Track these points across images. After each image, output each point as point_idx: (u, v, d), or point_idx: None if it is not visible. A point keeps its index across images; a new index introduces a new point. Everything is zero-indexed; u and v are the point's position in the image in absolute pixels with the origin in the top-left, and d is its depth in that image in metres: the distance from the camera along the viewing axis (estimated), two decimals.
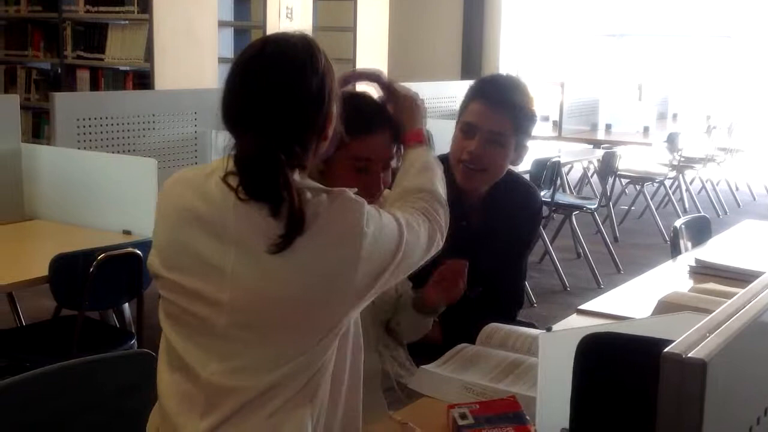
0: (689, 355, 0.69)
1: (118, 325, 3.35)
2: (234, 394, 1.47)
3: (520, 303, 2.50)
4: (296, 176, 1.47)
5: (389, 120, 1.85)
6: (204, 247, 1.48)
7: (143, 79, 6.18)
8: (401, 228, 1.55)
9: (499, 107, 2.26)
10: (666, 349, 0.71)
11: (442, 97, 6.53)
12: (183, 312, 1.51)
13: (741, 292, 0.88)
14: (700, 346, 0.70)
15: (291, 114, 1.47)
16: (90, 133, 3.93)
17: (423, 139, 1.82)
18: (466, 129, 2.29)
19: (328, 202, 1.47)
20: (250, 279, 1.45)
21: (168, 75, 6.04)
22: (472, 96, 2.32)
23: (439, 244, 1.66)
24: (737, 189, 8.94)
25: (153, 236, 1.60)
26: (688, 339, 0.72)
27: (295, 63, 1.49)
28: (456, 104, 6.45)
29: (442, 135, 2.86)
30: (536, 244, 2.49)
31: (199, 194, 1.51)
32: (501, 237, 2.38)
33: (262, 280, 1.45)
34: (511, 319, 2.35)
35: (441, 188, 1.75)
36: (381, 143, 1.85)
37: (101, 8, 6.33)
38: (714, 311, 0.87)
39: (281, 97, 1.47)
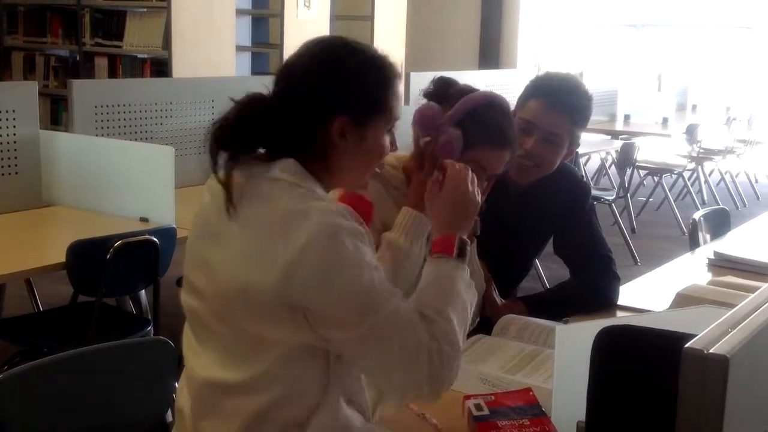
0: (711, 350, 0.68)
1: (134, 312, 3.37)
2: (208, 388, 1.47)
3: (608, 257, 2.46)
4: (284, 163, 1.44)
5: (514, 144, 2.01)
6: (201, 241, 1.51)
7: (161, 67, 6.19)
8: (381, 295, 1.38)
9: (557, 108, 2.30)
10: (687, 345, 0.70)
11: (508, 104, 6.48)
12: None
13: (764, 286, 0.87)
14: (722, 341, 0.69)
15: (295, 82, 1.48)
16: (108, 120, 3.93)
17: (452, 250, 1.59)
18: (523, 126, 2.31)
19: (298, 199, 1.40)
20: (219, 267, 1.44)
21: (186, 63, 6.04)
22: (531, 93, 2.35)
23: (422, 386, 1.41)
24: (756, 181, 8.87)
25: None
26: (710, 334, 0.71)
27: (334, 49, 1.50)
28: None
29: None
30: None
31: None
32: (540, 222, 2.42)
33: (219, 267, 1.44)
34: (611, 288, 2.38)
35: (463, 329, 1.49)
36: (502, 160, 1.98)
37: None
38: (733, 304, 0.86)
39: (298, 66, 1.49)
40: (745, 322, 0.75)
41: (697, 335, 0.78)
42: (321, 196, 1.45)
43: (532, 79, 2.41)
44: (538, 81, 2.39)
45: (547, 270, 4.46)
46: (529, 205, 2.39)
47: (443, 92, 1.97)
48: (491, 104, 1.99)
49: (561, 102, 2.30)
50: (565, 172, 2.45)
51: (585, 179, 2.60)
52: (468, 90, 2.01)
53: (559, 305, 2.26)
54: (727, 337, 0.71)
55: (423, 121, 1.88)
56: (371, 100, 1.50)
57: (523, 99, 2.36)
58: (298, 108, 1.47)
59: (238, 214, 1.42)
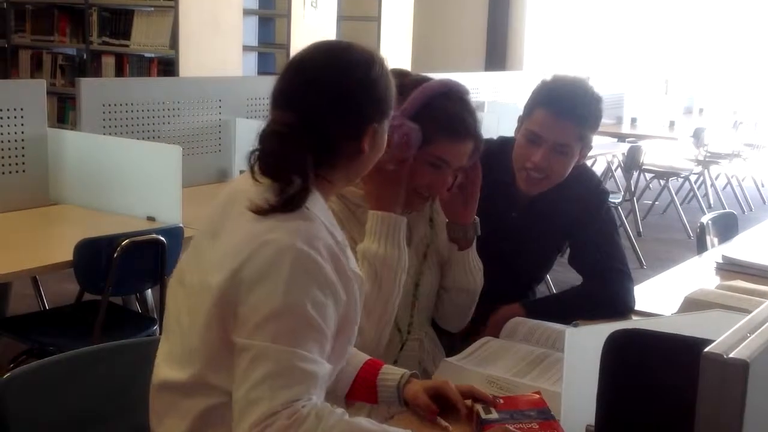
0: (731, 355, 0.67)
1: (140, 311, 3.37)
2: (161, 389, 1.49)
3: (618, 269, 2.34)
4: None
5: (477, 133, 1.91)
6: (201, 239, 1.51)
7: (168, 66, 6.20)
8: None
9: (565, 118, 2.20)
10: (707, 349, 0.69)
11: (468, 92, 6.48)
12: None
13: None
14: (741, 346, 0.68)
15: (322, 101, 1.45)
16: (115, 119, 3.94)
17: None
18: (531, 137, 2.24)
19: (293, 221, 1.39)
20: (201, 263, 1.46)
21: (192, 62, 6.05)
22: (538, 102, 2.24)
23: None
24: (763, 185, 8.86)
25: None
26: (729, 339, 0.70)
27: (347, 57, 1.48)
28: (480, 96, 6.43)
29: None
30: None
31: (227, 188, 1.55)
32: (553, 229, 2.36)
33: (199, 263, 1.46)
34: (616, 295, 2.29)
35: None
36: (465, 152, 1.90)
37: None
38: (743, 309, 0.85)
39: (318, 81, 1.46)
40: (765, 326, 0.75)
41: (711, 339, 0.78)
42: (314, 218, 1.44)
43: (538, 85, 2.30)
44: (544, 88, 2.27)
45: (552, 272, 4.43)
46: (540, 210, 2.33)
47: (398, 84, 1.71)
48: (448, 94, 1.90)
49: (569, 111, 2.20)
50: (580, 177, 2.35)
51: (601, 187, 2.49)
52: (423, 80, 1.92)
53: (562, 312, 2.19)
54: (747, 341, 0.70)
55: None
56: (388, 105, 1.53)
57: (530, 107, 2.26)
58: (334, 128, 1.46)
59: (237, 220, 1.44)
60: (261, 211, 1.39)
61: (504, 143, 2.34)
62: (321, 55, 1.50)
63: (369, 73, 1.48)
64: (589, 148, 2.33)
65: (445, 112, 1.87)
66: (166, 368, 1.49)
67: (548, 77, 2.33)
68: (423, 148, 1.84)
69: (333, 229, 1.48)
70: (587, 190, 2.38)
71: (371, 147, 1.51)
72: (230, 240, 1.41)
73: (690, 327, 1.23)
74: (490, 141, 2.36)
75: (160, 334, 1.56)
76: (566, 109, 2.20)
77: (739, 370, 0.65)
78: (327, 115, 1.45)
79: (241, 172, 1.59)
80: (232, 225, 1.43)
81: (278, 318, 1.34)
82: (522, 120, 2.29)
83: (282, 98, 1.48)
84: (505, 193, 2.30)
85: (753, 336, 0.71)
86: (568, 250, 2.46)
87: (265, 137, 1.45)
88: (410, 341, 2.04)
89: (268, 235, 1.37)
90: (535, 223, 2.34)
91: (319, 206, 1.47)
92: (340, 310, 1.43)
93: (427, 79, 1.94)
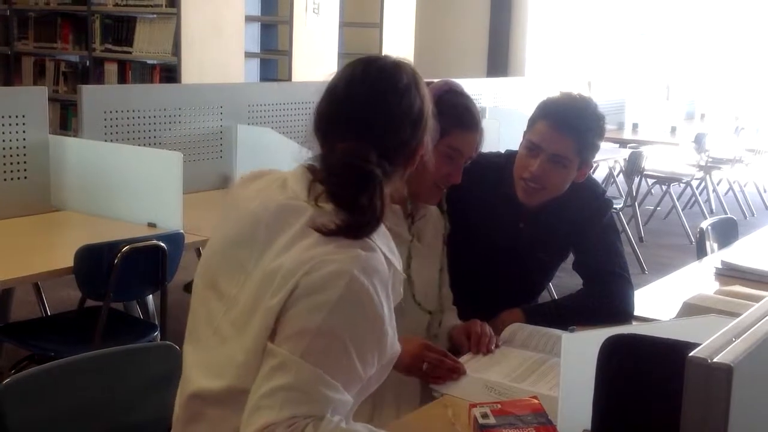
0: (715, 359, 0.68)
1: (141, 317, 3.38)
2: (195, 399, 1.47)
3: (618, 274, 2.37)
4: None
5: (481, 123, 2.07)
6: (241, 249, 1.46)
7: (170, 73, 6.22)
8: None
9: (563, 130, 2.25)
10: (691, 354, 0.70)
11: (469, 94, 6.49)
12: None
13: None
14: (726, 350, 0.69)
15: (389, 127, 1.45)
16: (117, 126, 3.95)
17: None
18: (530, 147, 2.30)
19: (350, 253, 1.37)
20: (248, 277, 1.43)
21: (195, 69, 6.07)
22: (539, 115, 2.31)
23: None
24: (765, 191, 8.84)
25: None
26: (714, 343, 0.71)
27: (400, 81, 1.48)
28: (482, 102, 6.43)
29: None
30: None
31: (265, 199, 1.49)
32: (558, 237, 2.39)
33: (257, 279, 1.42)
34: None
35: None
36: (475, 140, 2.05)
37: (130, 2, 6.38)
38: (740, 314, 0.86)
39: (383, 109, 1.45)
40: (750, 331, 0.75)
41: (700, 344, 0.79)
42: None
43: (543, 100, 2.37)
44: (548, 102, 2.34)
45: (554, 278, 4.43)
46: (542, 221, 2.37)
47: None
48: (451, 90, 2.06)
49: (568, 124, 2.25)
50: (582, 187, 2.38)
51: (605, 196, 2.51)
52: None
53: (562, 317, 2.22)
54: (731, 346, 0.71)
55: None
56: (432, 117, 1.55)
57: (532, 120, 2.33)
58: (397, 154, 1.47)
59: (294, 240, 1.40)
60: (325, 231, 1.37)
61: (510, 156, 2.39)
62: (376, 77, 1.48)
63: (420, 92, 1.50)
64: (589, 167, 2.38)
65: (454, 105, 2.02)
66: (200, 377, 1.46)
67: (555, 93, 2.42)
68: (439, 140, 1.88)
69: (391, 256, 1.46)
70: (591, 199, 2.42)
71: (424, 161, 1.54)
72: (288, 259, 1.38)
73: (685, 332, 1.24)
74: (496, 154, 2.41)
75: (161, 339, 1.57)
76: (566, 121, 2.26)
77: (723, 374, 0.66)
78: (393, 141, 1.45)
79: (287, 177, 1.54)
80: (290, 243, 1.39)
81: (314, 336, 1.32)
82: (525, 133, 2.35)
83: (342, 125, 1.45)
84: (512, 204, 2.34)
85: (738, 341, 0.72)
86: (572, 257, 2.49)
87: (338, 167, 1.42)
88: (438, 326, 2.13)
89: (328, 256, 1.35)
90: (541, 232, 2.38)
91: (381, 233, 1.45)
92: (384, 349, 1.41)
93: (427, 83, 1.99)
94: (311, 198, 1.42)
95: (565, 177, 2.31)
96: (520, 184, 2.31)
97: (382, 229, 1.45)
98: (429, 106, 1.52)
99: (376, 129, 1.43)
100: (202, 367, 1.46)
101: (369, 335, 1.37)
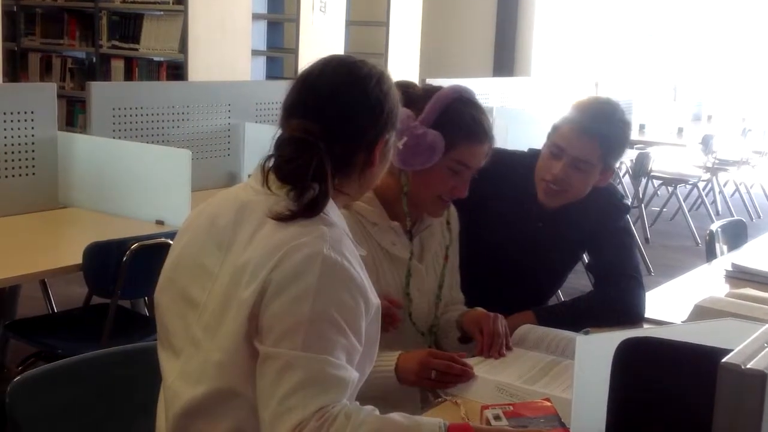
0: (748, 365, 0.67)
1: (149, 315, 3.37)
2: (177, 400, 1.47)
3: (629, 276, 2.37)
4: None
5: (492, 133, 1.97)
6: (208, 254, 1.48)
7: (177, 70, 6.21)
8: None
9: (587, 135, 2.25)
10: (724, 359, 0.69)
11: (475, 94, 6.48)
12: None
13: None
14: (759, 356, 0.68)
15: (342, 112, 1.47)
16: (125, 123, 3.94)
17: None
18: (554, 150, 2.29)
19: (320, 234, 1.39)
20: (216, 278, 1.44)
21: (202, 66, 6.06)
22: (566, 119, 2.31)
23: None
24: None
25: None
26: (746, 349, 0.70)
27: (360, 71, 1.50)
28: (489, 101, 6.42)
29: None
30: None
31: (222, 202, 1.54)
32: (574, 239, 2.40)
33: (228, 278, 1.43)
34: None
35: None
36: (483, 153, 1.96)
37: None
38: (754, 317, 0.85)
39: (338, 93, 1.48)
40: None
41: (726, 349, 0.77)
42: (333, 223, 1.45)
43: (572, 104, 2.36)
44: (576, 105, 2.34)
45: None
46: (564, 221, 2.36)
47: (405, 96, 1.76)
48: (461, 98, 1.97)
49: (592, 128, 2.25)
50: (601, 191, 2.38)
51: (624, 200, 2.53)
52: (433, 89, 1.97)
53: (572, 318, 2.21)
54: (764, 352, 0.70)
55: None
56: (396, 116, 1.56)
57: (559, 124, 2.32)
58: (352, 139, 1.49)
59: (255, 231, 1.43)
60: (283, 218, 1.39)
61: (534, 156, 2.38)
62: (336, 68, 1.51)
63: (382, 86, 1.51)
64: (612, 172, 2.37)
65: (463, 117, 1.93)
66: (183, 386, 1.46)
67: (584, 98, 2.41)
68: (444, 154, 1.89)
69: (352, 238, 1.49)
70: (609, 204, 2.42)
71: (381, 158, 1.54)
72: (255, 251, 1.40)
73: (703, 336, 1.23)
74: (521, 154, 2.41)
75: None
76: (591, 125, 2.25)
77: (758, 380, 0.65)
78: (346, 126, 1.47)
79: (249, 176, 1.58)
80: (252, 236, 1.42)
81: (307, 325, 1.33)
82: (549, 135, 2.35)
83: (300, 109, 1.49)
84: (533, 203, 2.34)
85: None
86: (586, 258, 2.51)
87: (284, 143, 1.46)
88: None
89: (294, 241, 1.38)
90: (559, 233, 2.38)
91: (336, 214, 1.48)
92: (371, 313, 1.43)
93: (436, 88, 1.98)
94: (265, 186, 1.46)
95: (587, 181, 2.30)
96: (542, 185, 2.31)
97: (337, 211, 1.49)
98: (393, 103, 1.52)
99: (328, 111, 1.47)
100: (185, 377, 1.47)
101: (356, 307, 1.39)
